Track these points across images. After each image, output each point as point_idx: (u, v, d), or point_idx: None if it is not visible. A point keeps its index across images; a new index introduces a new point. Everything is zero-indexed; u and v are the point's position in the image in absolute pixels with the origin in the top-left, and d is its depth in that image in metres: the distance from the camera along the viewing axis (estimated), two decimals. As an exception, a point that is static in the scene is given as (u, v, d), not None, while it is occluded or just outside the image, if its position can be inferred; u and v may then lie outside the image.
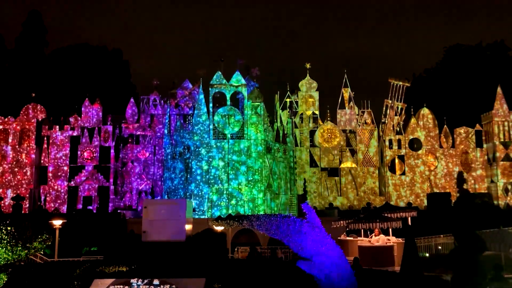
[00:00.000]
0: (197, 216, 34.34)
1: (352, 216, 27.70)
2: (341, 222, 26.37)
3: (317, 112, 47.58)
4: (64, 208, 41.69)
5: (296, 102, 47.94)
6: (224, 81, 37.35)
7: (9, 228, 13.17)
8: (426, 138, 46.53)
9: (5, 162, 42.17)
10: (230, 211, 34.39)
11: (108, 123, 44.13)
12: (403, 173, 45.92)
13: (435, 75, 65.59)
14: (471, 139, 46.89)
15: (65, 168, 42.79)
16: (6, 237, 13.03)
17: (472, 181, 46.21)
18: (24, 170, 42.15)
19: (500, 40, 65.11)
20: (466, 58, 63.36)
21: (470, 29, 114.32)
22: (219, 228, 22.75)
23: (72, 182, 42.55)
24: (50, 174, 42.68)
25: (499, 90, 46.35)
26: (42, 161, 43.09)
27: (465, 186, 45.63)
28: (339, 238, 25.99)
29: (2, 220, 14.61)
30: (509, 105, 46.47)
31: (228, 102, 37.17)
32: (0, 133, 42.77)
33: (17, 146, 42.42)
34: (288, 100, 48.28)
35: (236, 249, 27.94)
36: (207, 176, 35.95)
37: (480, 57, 62.96)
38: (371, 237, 24.95)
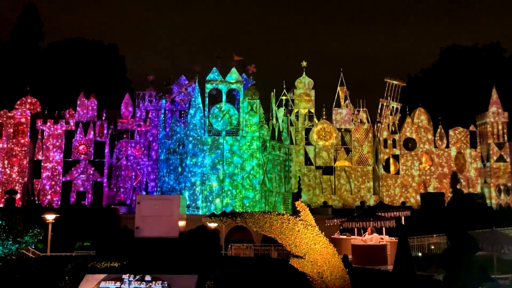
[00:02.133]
0: (190, 213, 34.28)
1: (346, 214, 27.76)
2: (335, 220, 26.41)
3: (312, 110, 47.60)
4: (57, 203, 41.52)
5: (292, 100, 47.94)
6: (220, 77, 37.26)
7: None
8: (421, 138, 46.65)
9: (-1, 156, 41.87)
10: (224, 208, 34.35)
11: (103, 118, 43.93)
12: (397, 173, 46.03)
13: (431, 76, 65.77)
14: (465, 139, 47.06)
15: (59, 162, 42.59)
16: (-3, 231, 12.98)
17: (466, 182, 46.39)
18: (18, 164, 41.89)
19: (496, 41, 65.36)
20: (462, 59, 63.57)
21: (466, 30, 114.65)
22: (213, 225, 22.73)
23: (66, 177, 42.36)
24: (43, 168, 42.47)
25: (494, 91, 46.53)
26: (36, 155, 42.86)
27: (458, 187, 45.81)
28: (332, 236, 26.02)
29: (-6, 214, 14.52)
30: (504, 106, 46.65)
31: (224, 99, 37.09)
32: (-7, 126, 42.49)
33: (11, 140, 42.16)
34: (284, 97, 48.28)
35: (229, 246, 27.93)
36: (202, 173, 35.88)
37: (476, 58, 63.18)
38: (364, 236, 25.00)
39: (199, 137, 36.42)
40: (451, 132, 47.06)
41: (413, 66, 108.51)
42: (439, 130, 47.00)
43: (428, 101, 54.69)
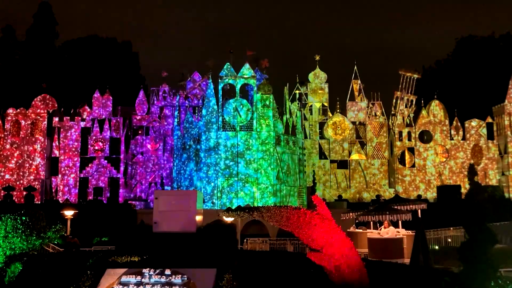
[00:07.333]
0: (207, 208, 34.54)
1: (361, 208, 27.67)
2: (350, 214, 26.29)
3: (326, 104, 47.44)
4: (75, 199, 42.13)
5: (306, 94, 47.81)
6: (234, 72, 37.31)
7: (23, 218, 13.42)
8: (436, 130, 46.18)
9: (17, 153, 42.57)
10: (239, 203, 34.51)
11: (118, 114, 44.37)
12: (413, 166, 45.68)
13: (446, 67, 64.97)
14: (482, 131, 46.47)
15: (76, 159, 43.17)
16: (21, 226, 13.27)
17: (483, 174, 45.85)
18: (35, 161, 42.56)
19: (513, 31, 64.24)
20: (478, 49, 62.61)
21: (482, 20, 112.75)
22: (229, 220, 22.87)
23: (83, 173, 42.93)
24: (61, 165, 43.10)
25: (511, 81, 45.79)
26: (53, 152, 43.50)
27: (475, 179, 45.28)
28: (348, 230, 25.96)
29: (15, 211, 14.86)
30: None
31: (238, 94, 37.16)
32: (11, 124, 43.20)
33: (28, 137, 42.83)
34: (297, 92, 48.16)
35: (245, 240, 28.07)
36: (217, 168, 36.08)
37: (493, 48, 62.17)
38: (381, 229, 24.91)
39: (213, 133, 36.59)
40: (467, 124, 46.50)
41: (428, 57, 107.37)
42: (455, 122, 46.49)
43: (444, 93, 54.09)
